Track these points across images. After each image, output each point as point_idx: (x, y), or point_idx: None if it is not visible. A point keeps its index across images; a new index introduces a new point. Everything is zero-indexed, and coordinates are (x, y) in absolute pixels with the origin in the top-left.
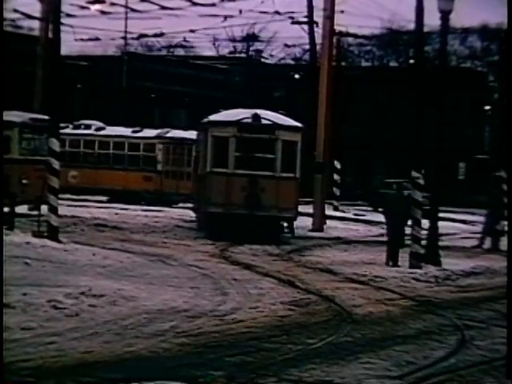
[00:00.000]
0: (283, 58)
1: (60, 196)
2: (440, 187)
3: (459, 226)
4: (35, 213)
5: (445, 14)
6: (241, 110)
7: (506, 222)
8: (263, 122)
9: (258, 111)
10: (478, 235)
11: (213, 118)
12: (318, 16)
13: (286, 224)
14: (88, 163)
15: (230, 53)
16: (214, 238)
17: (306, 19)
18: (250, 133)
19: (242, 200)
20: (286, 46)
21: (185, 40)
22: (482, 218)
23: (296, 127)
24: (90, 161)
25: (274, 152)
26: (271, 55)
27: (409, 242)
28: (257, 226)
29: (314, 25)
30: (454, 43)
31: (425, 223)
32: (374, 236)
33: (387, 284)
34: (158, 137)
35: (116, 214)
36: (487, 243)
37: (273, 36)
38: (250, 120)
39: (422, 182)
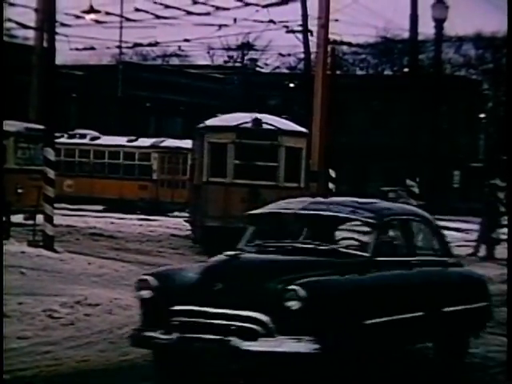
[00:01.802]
0: (278, 67)
1: (55, 205)
2: (435, 195)
3: (454, 234)
4: (30, 222)
5: (439, 23)
6: (240, 115)
7: (501, 230)
8: (264, 126)
9: (259, 115)
10: (473, 243)
11: (210, 122)
12: (313, 25)
13: None
14: (83, 172)
15: (225, 62)
16: (211, 254)
17: (300, 28)
18: (250, 139)
19: (241, 213)
20: (281, 55)
21: (179, 49)
22: (476, 226)
23: (300, 133)
24: (86, 170)
25: (276, 160)
26: (266, 64)
27: None
28: None
29: (309, 34)
30: (448, 51)
31: None
32: None
33: None
34: (153, 146)
35: (111, 223)
36: (482, 251)
37: (267, 45)
38: (250, 125)
39: (416, 190)
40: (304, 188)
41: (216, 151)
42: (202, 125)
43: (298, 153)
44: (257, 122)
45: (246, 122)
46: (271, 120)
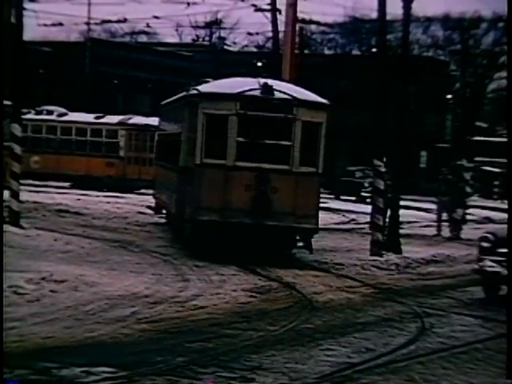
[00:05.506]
0: (246, 46)
1: (22, 181)
2: (402, 175)
3: (420, 214)
4: None
5: (407, 3)
6: (243, 80)
7: (466, 211)
8: (277, 95)
9: (269, 81)
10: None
11: (205, 88)
12: (281, 3)
13: (298, 237)
14: (50, 149)
15: (194, 40)
16: (205, 257)
17: (269, 7)
18: (258, 110)
19: (245, 204)
20: (249, 33)
21: (148, 26)
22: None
23: (320, 104)
24: (53, 146)
25: (290, 137)
26: (234, 42)
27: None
28: (266, 240)
29: (277, 12)
30: (416, 32)
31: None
32: (335, 223)
33: (348, 271)
34: (120, 123)
35: (78, 199)
36: (446, 231)
37: (236, 23)
38: (258, 92)
39: (383, 170)
40: (321, 174)
41: (213, 125)
42: (194, 92)
43: (316, 129)
44: (267, 88)
45: (253, 89)
46: (285, 87)
